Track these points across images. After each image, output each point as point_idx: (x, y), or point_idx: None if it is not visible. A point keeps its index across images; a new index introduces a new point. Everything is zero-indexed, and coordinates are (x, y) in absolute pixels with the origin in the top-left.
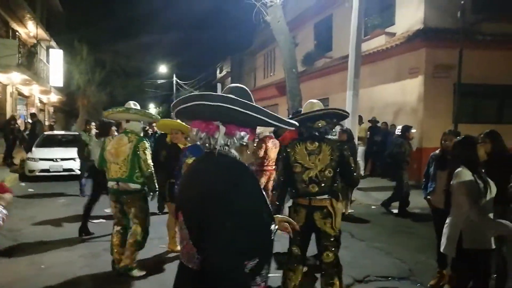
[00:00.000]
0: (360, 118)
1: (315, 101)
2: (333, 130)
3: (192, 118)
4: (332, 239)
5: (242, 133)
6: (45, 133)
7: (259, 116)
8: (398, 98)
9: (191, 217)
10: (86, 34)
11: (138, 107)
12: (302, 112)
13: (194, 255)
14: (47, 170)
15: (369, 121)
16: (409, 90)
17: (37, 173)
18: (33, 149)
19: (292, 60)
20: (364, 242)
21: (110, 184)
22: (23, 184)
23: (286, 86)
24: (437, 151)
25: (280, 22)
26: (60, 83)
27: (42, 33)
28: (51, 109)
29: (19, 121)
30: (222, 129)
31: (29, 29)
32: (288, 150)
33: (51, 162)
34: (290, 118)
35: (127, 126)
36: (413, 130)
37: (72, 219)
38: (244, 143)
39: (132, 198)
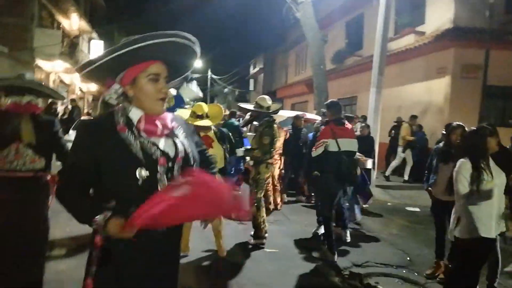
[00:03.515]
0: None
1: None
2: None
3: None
4: None
5: (115, 85)
6: (83, 117)
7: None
8: (425, 97)
9: None
10: (126, 27)
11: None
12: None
13: None
14: None
15: (394, 121)
16: (436, 90)
17: None
18: (70, 131)
19: (320, 57)
20: (371, 233)
21: None
22: (58, 163)
23: (313, 82)
24: (440, 144)
25: (310, 19)
26: None
27: (84, 25)
28: (90, 98)
29: (59, 106)
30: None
31: (73, 21)
32: (275, 130)
33: None
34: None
35: None
36: None
37: None
38: (118, 88)
39: None
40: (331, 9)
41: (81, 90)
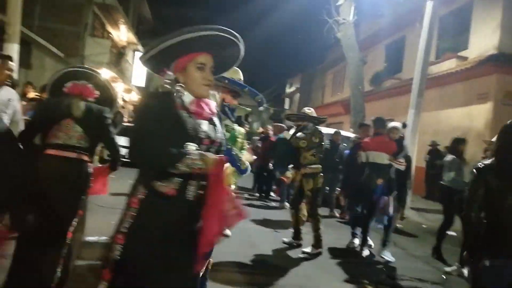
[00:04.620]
0: None
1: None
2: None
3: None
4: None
5: (168, 72)
6: (124, 124)
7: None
8: (465, 123)
9: None
10: None
11: None
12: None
13: None
14: (122, 156)
15: (429, 145)
16: (477, 115)
17: None
18: None
19: (358, 77)
20: (405, 250)
21: None
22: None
23: (351, 102)
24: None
25: (350, 39)
26: (142, 83)
27: (131, 36)
28: (131, 108)
29: None
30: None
31: (121, 32)
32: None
33: (126, 149)
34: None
35: None
36: None
37: None
38: (171, 75)
39: None
40: (372, 31)
41: (123, 99)
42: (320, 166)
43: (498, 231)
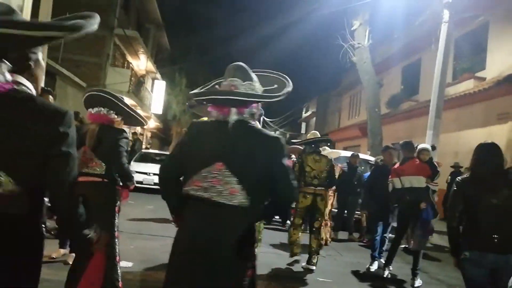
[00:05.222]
0: None
1: (316, 132)
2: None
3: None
4: (321, 213)
5: (254, 109)
6: (143, 150)
7: (250, 98)
8: None
9: (242, 168)
10: (187, 69)
11: None
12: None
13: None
14: (141, 182)
15: (451, 166)
16: (497, 135)
17: None
18: (132, 163)
19: (375, 100)
20: (427, 274)
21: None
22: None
23: (368, 125)
24: None
25: (366, 63)
26: (159, 110)
27: (150, 66)
28: (149, 134)
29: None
30: (234, 110)
31: (141, 62)
32: (303, 159)
33: (145, 176)
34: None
35: None
36: None
37: (156, 220)
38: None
39: None
40: (387, 54)
41: (141, 127)
42: (300, 187)
43: (474, 228)
